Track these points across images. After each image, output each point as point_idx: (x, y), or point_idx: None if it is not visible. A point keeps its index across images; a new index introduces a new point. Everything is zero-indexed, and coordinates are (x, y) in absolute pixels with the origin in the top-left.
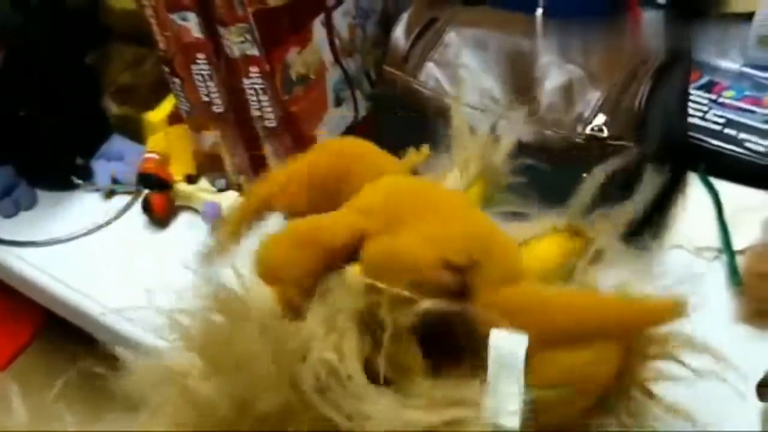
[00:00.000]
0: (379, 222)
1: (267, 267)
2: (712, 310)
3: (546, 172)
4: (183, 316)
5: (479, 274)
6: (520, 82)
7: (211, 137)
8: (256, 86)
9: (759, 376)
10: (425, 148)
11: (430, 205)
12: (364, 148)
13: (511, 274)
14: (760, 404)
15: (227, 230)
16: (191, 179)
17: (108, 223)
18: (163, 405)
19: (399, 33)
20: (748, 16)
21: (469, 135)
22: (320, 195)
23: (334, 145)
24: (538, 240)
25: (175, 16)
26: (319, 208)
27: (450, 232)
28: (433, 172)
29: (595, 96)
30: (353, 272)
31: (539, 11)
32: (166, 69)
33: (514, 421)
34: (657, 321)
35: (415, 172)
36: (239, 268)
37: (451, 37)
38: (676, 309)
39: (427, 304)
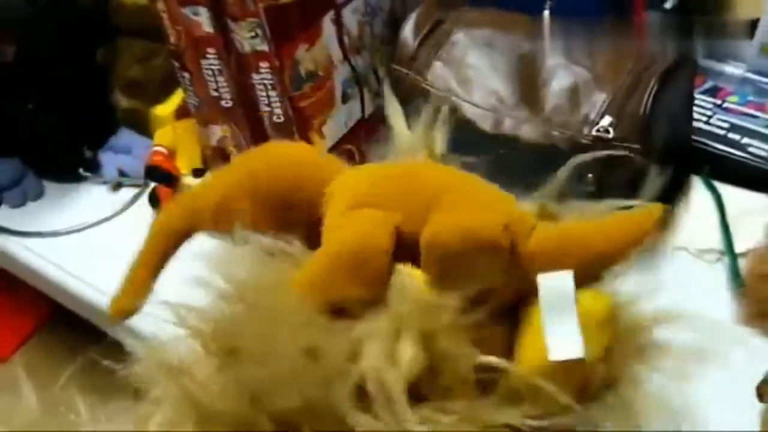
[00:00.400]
0: (406, 210)
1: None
2: (713, 311)
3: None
4: (197, 309)
5: (514, 241)
6: (527, 82)
7: (218, 131)
8: (266, 82)
9: (759, 377)
10: None
11: (443, 181)
12: (304, 152)
13: (531, 225)
14: (759, 405)
15: (134, 278)
16: (198, 173)
17: (115, 215)
18: (166, 396)
19: (407, 32)
20: (753, 23)
21: (407, 129)
22: (272, 211)
23: (273, 154)
24: None
25: (186, 11)
26: (270, 225)
27: (486, 202)
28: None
29: (601, 98)
30: (410, 276)
31: (546, 12)
32: (176, 63)
33: (578, 351)
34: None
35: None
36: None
37: (459, 37)
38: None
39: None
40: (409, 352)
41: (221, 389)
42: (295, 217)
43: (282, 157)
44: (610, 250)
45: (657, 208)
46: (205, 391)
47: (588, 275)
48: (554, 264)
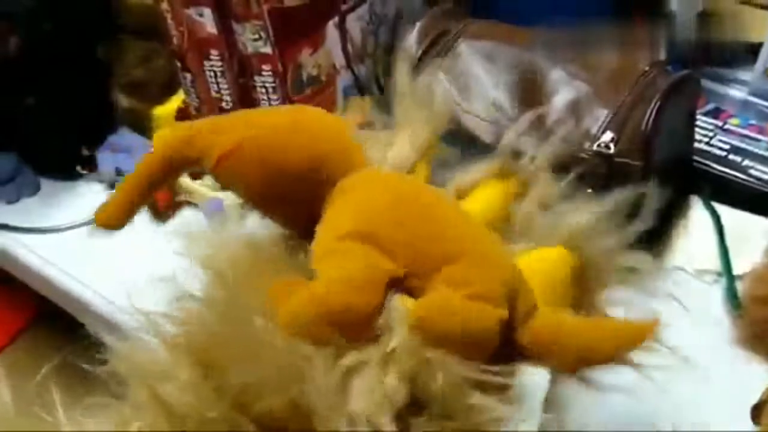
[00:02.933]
0: (407, 265)
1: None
2: (710, 332)
3: None
4: (174, 317)
5: (511, 315)
6: (529, 95)
7: None
8: (267, 84)
9: (755, 399)
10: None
11: (451, 239)
12: (334, 131)
13: (532, 305)
14: (754, 427)
15: (128, 186)
16: (195, 175)
17: None
18: (143, 402)
19: (411, 41)
20: (756, 46)
21: (416, 105)
22: (282, 178)
23: (303, 122)
24: (478, 189)
25: (191, 11)
26: (274, 189)
27: (491, 285)
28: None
29: (603, 113)
30: (406, 312)
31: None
32: (178, 64)
33: None
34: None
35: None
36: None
37: (462, 48)
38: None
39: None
40: (395, 386)
41: (200, 395)
42: (298, 194)
43: (313, 129)
44: (599, 355)
45: (652, 324)
46: (180, 397)
47: (572, 370)
48: (542, 356)
